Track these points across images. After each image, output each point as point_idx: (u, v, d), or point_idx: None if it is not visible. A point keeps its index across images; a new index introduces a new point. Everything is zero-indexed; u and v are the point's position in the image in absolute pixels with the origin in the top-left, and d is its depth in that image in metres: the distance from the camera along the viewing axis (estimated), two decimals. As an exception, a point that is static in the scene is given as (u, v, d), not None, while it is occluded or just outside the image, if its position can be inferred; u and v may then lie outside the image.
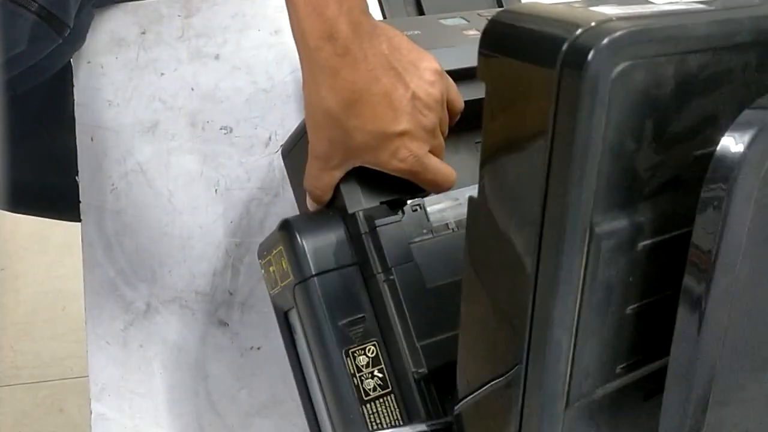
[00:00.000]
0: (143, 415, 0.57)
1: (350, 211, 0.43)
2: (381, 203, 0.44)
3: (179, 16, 0.64)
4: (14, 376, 1.47)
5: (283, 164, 0.52)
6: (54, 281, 1.51)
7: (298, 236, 0.42)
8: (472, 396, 0.34)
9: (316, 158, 0.43)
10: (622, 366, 0.31)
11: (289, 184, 0.52)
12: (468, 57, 0.45)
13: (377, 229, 0.41)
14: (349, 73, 0.39)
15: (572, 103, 0.24)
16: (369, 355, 0.41)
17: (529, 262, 0.28)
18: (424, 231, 0.43)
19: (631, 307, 0.30)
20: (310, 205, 0.46)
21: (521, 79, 0.27)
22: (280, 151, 0.51)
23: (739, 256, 0.26)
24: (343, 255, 0.42)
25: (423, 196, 0.45)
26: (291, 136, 0.50)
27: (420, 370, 0.40)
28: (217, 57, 0.63)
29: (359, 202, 0.43)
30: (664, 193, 0.29)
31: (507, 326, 0.30)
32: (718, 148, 0.25)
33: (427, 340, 0.40)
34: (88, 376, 0.58)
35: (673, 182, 0.29)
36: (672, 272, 0.28)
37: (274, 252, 0.44)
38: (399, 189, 0.44)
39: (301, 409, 0.57)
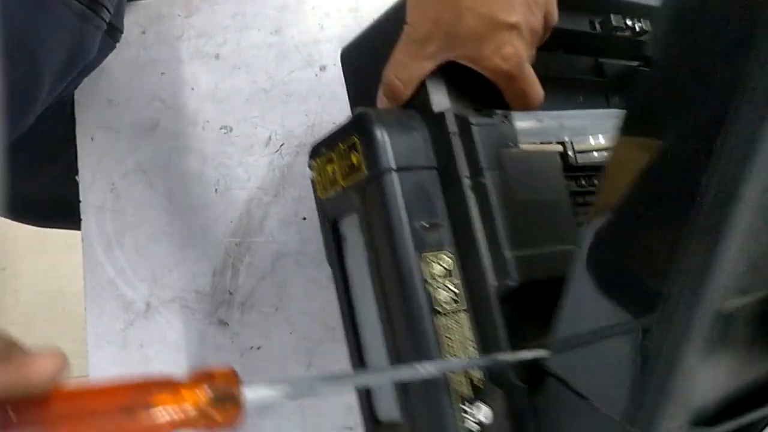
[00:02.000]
0: (143, 415, 0.57)
1: (436, 110, 0.40)
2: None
3: (179, 15, 0.64)
4: (14, 376, 1.47)
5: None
6: (54, 281, 1.51)
7: (378, 127, 0.38)
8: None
9: (412, 42, 0.40)
10: (762, 276, 0.28)
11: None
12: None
13: (472, 127, 0.38)
14: None
15: None
16: (444, 265, 0.37)
17: (716, 131, 0.25)
18: (511, 143, 0.40)
19: None
20: (381, 102, 0.42)
21: None
22: (339, 59, 0.47)
23: None
24: (423, 156, 0.39)
25: None
26: (358, 37, 0.46)
27: (506, 282, 0.36)
28: (217, 57, 0.63)
29: (445, 101, 0.40)
30: None
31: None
32: None
33: (519, 252, 0.36)
34: (88, 376, 0.58)
35: None
36: None
37: (341, 147, 0.40)
38: (483, 98, 0.41)
39: (301, 409, 0.57)
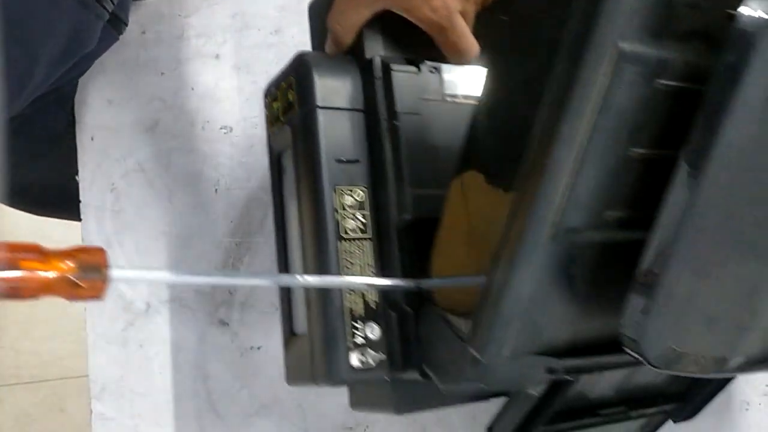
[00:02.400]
0: (143, 415, 0.57)
1: (368, 55, 0.43)
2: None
3: (179, 15, 0.64)
4: (15, 376, 1.47)
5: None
6: (54, 281, 1.51)
7: (311, 67, 0.42)
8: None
9: None
10: (612, 213, 0.31)
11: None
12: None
13: (392, 73, 0.41)
14: None
15: None
16: (356, 198, 0.41)
17: (544, 72, 0.28)
18: (436, 94, 0.43)
19: (635, 149, 0.30)
20: (329, 48, 0.45)
21: None
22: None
23: (750, 115, 0.26)
24: (351, 98, 0.42)
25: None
26: None
27: (404, 216, 0.40)
28: (217, 57, 0.63)
29: (378, 49, 0.43)
30: (694, 41, 0.29)
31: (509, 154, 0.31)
32: (739, 10, 0.25)
33: (418, 190, 0.40)
34: (88, 375, 0.58)
35: (703, 33, 0.29)
36: (681, 131, 0.28)
37: (283, 85, 0.44)
38: (420, 50, 0.43)
39: (300, 408, 0.57)
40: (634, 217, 0.32)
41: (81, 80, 0.63)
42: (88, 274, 0.28)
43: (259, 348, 0.58)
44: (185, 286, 0.35)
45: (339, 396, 0.57)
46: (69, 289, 0.28)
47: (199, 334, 0.58)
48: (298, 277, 0.36)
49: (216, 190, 0.60)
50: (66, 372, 1.46)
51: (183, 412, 0.57)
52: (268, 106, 0.46)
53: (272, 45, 0.63)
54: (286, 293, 0.45)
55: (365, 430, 0.57)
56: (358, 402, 0.47)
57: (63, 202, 0.70)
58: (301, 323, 0.43)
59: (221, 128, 0.61)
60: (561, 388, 0.42)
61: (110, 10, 0.55)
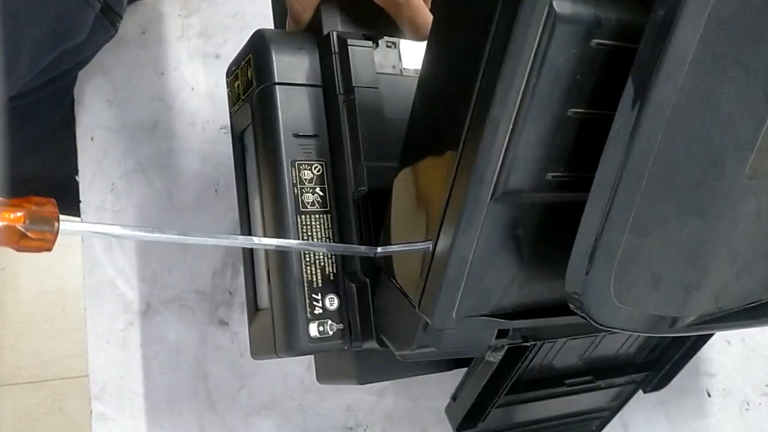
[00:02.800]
0: (143, 415, 0.57)
1: (325, 31, 0.43)
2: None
3: (179, 15, 0.64)
4: (15, 376, 1.47)
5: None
6: (54, 281, 1.51)
7: (268, 44, 0.42)
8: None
9: None
10: (553, 174, 0.32)
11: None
12: None
13: (348, 48, 0.42)
14: None
15: None
16: (314, 172, 0.42)
17: (484, 36, 0.29)
18: (394, 68, 0.44)
19: (573, 110, 0.30)
20: (289, 26, 0.46)
21: None
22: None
23: (680, 71, 0.26)
24: (309, 74, 0.43)
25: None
26: None
27: (360, 188, 0.40)
28: (217, 57, 0.63)
29: (336, 25, 0.44)
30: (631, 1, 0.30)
31: (449, 116, 0.32)
32: None
33: (373, 163, 0.41)
34: (88, 375, 0.58)
35: None
36: (618, 90, 0.28)
37: (243, 63, 0.44)
38: (378, 26, 0.44)
39: (301, 408, 0.57)
40: (575, 178, 0.32)
41: (80, 81, 0.63)
42: (37, 225, 0.28)
43: (259, 348, 0.58)
44: (132, 239, 0.35)
45: (339, 396, 0.57)
46: (17, 239, 0.28)
47: (199, 334, 0.58)
48: (255, 238, 0.37)
49: (216, 190, 0.60)
50: (66, 372, 1.46)
51: (183, 412, 0.57)
52: (230, 85, 0.47)
53: (272, 45, 0.63)
54: (250, 270, 0.46)
55: (365, 430, 0.57)
56: (323, 375, 0.48)
57: (62, 198, 0.70)
58: (263, 299, 0.44)
59: (221, 128, 0.61)
60: (519, 354, 0.43)
61: (101, 1, 0.54)
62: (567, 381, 0.49)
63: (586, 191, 0.29)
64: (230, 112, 0.47)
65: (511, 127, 0.29)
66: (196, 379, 0.58)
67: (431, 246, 0.33)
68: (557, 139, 0.31)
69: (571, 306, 0.31)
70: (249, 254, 0.47)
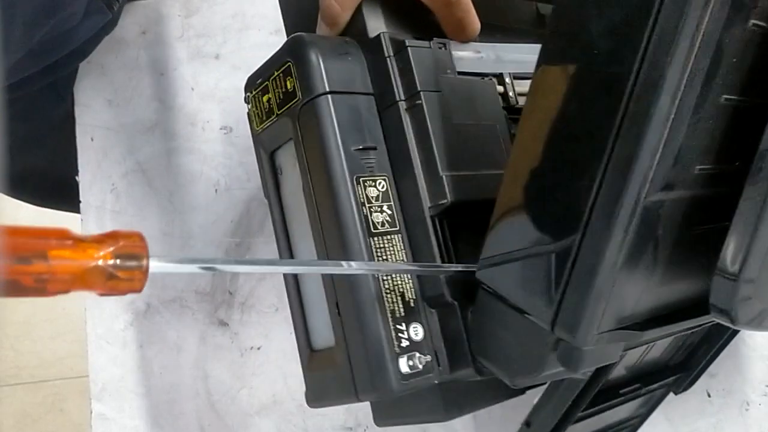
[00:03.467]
0: (143, 415, 0.57)
1: (372, 34, 0.39)
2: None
3: (179, 15, 0.64)
4: (15, 376, 1.47)
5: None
6: (54, 281, 1.51)
7: (313, 49, 0.37)
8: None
9: None
10: (702, 167, 0.29)
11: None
12: None
13: (408, 49, 0.38)
14: None
15: None
16: (379, 189, 0.37)
17: (643, 14, 0.26)
18: (449, 71, 0.40)
19: (727, 96, 0.28)
20: (321, 29, 0.42)
21: None
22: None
23: None
24: (360, 81, 0.39)
25: None
26: None
27: (441, 202, 0.36)
28: (217, 57, 0.63)
29: (380, 26, 0.40)
30: None
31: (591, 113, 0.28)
32: None
33: (452, 173, 0.37)
34: (88, 375, 0.58)
35: None
36: None
37: (276, 73, 0.39)
38: (421, 27, 0.41)
39: (301, 408, 0.57)
40: (721, 171, 0.30)
41: (80, 81, 0.63)
42: (126, 263, 0.24)
43: (259, 348, 0.58)
44: (227, 272, 0.33)
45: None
46: (105, 281, 0.24)
47: (199, 334, 0.58)
48: (344, 264, 0.32)
49: (216, 190, 0.60)
50: (66, 372, 1.46)
51: (183, 412, 0.57)
52: (254, 100, 0.42)
53: (272, 45, 0.63)
54: (298, 308, 0.41)
55: (365, 430, 0.57)
56: (385, 415, 0.42)
57: (63, 193, 0.70)
58: (322, 337, 0.40)
59: (221, 128, 0.61)
60: (605, 368, 0.39)
61: None
62: (621, 391, 0.46)
63: (729, 185, 0.28)
64: (255, 130, 0.42)
65: (673, 115, 0.26)
66: (196, 379, 0.58)
67: (570, 255, 0.29)
68: (710, 128, 0.29)
69: (714, 312, 0.28)
70: (295, 289, 0.41)
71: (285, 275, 0.42)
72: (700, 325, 0.36)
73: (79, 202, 0.61)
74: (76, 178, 0.61)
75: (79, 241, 0.24)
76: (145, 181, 0.61)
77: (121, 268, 0.24)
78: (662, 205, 0.29)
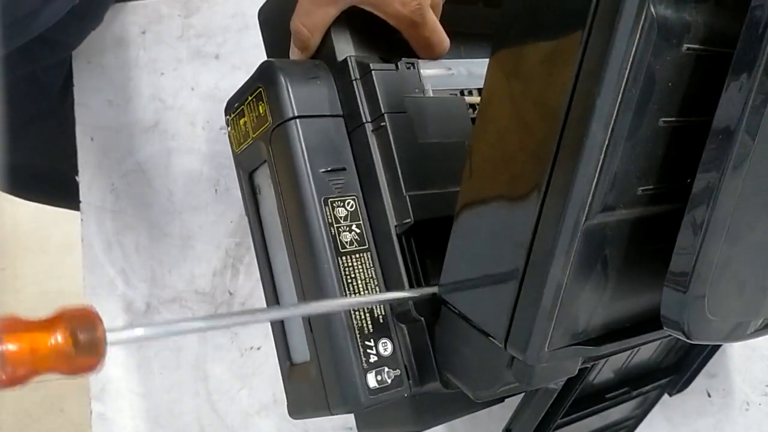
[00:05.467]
0: (143, 415, 0.57)
1: (340, 57, 0.40)
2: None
3: (179, 15, 0.64)
4: (14, 376, 1.47)
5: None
6: (54, 281, 1.51)
7: (281, 75, 0.39)
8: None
9: None
10: (644, 188, 0.30)
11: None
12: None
13: (372, 72, 0.39)
14: None
15: None
16: (348, 208, 0.39)
17: (574, 46, 0.27)
18: (416, 90, 0.41)
19: (665, 119, 0.29)
20: (293, 53, 0.43)
21: None
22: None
23: None
24: (328, 104, 0.40)
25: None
26: None
27: (405, 221, 0.37)
28: (217, 57, 0.63)
29: (349, 49, 0.41)
30: (714, 3, 0.29)
31: (533, 136, 0.29)
32: None
33: (415, 192, 0.38)
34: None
35: None
36: (708, 97, 0.27)
37: (250, 98, 0.41)
38: (390, 47, 0.42)
39: (301, 409, 0.57)
40: (665, 190, 0.31)
41: (80, 81, 0.63)
42: (83, 341, 0.24)
43: (259, 348, 0.58)
44: (178, 336, 0.33)
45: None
46: (64, 362, 0.23)
47: (199, 334, 0.58)
48: (292, 308, 0.34)
49: (216, 190, 0.60)
50: (66, 372, 1.45)
51: (183, 412, 0.57)
52: (233, 123, 0.43)
53: (272, 45, 0.63)
54: (278, 322, 0.43)
55: (365, 430, 0.57)
56: (367, 425, 0.44)
57: (52, 187, 0.70)
58: (300, 351, 0.41)
59: (221, 128, 0.61)
60: (578, 376, 0.40)
61: None
62: (607, 395, 0.47)
63: (671, 203, 0.28)
64: (234, 152, 0.43)
65: (607, 142, 0.27)
66: (196, 379, 0.58)
67: (517, 277, 0.30)
68: (649, 151, 0.29)
69: (666, 325, 0.29)
70: (275, 303, 0.43)
71: (264, 286, 0.43)
72: (659, 339, 0.38)
73: (72, 191, 0.61)
74: (76, 178, 0.61)
75: (30, 325, 0.23)
76: (145, 181, 0.61)
77: (79, 348, 0.23)
78: (606, 225, 0.30)
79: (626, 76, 0.27)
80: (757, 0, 0.25)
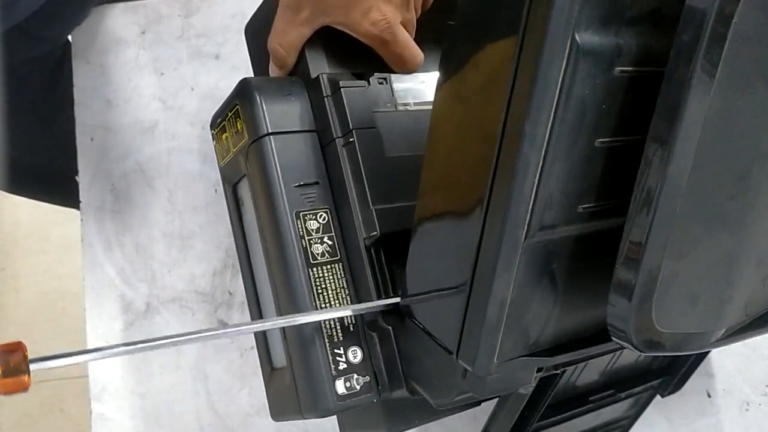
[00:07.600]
0: (143, 415, 0.57)
1: (313, 74, 0.41)
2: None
3: (179, 15, 0.64)
4: (14, 376, 1.47)
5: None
6: (54, 281, 1.51)
7: (256, 93, 0.40)
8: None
9: (286, 8, 0.41)
10: (584, 206, 0.31)
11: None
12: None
13: (341, 90, 0.40)
14: None
15: None
16: (320, 221, 0.40)
17: (506, 73, 0.28)
18: (388, 104, 0.42)
19: (600, 140, 0.30)
20: (273, 71, 0.44)
21: None
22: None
23: (712, 87, 0.26)
24: (301, 120, 0.41)
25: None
26: (257, 9, 0.47)
27: (372, 234, 0.39)
28: (217, 57, 0.63)
29: (323, 66, 0.42)
30: (645, 24, 0.29)
31: (473, 158, 0.31)
32: None
33: (382, 206, 0.39)
34: (88, 376, 0.58)
35: (654, 15, 0.29)
36: (644, 116, 0.28)
37: (229, 114, 0.42)
38: (365, 63, 0.43)
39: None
40: (606, 207, 0.32)
41: (80, 81, 0.63)
42: (10, 371, 0.27)
43: (259, 348, 0.58)
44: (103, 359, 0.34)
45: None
46: None
47: (199, 334, 0.58)
48: (288, 318, 0.35)
49: (216, 190, 0.60)
50: (66, 372, 1.45)
51: (183, 412, 0.57)
52: (217, 137, 0.45)
53: (272, 45, 0.63)
54: (261, 330, 0.44)
55: (365, 430, 0.57)
56: (347, 427, 0.45)
57: (48, 184, 0.70)
58: (279, 357, 0.42)
59: (221, 128, 0.61)
60: (549, 382, 0.42)
61: None
62: (591, 398, 0.48)
63: (616, 218, 0.29)
64: (219, 164, 0.45)
65: (541, 163, 0.28)
66: (196, 379, 0.58)
67: (465, 292, 0.31)
68: (586, 170, 0.30)
69: (614, 336, 0.30)
70: (257, 310, 0.44)
71: (247, 294, 0.45)
72: (614, 350, 0.39)
73: (79, 201, 0.61)
74: (76, 178, 0.61)
75: None
76: (145, 181, 0.61)
77: (7, 376, 0.27)
78: (550, 242, 0.31)
79: (555, 101, 0.27)
80: (685, 23, 0.26)
